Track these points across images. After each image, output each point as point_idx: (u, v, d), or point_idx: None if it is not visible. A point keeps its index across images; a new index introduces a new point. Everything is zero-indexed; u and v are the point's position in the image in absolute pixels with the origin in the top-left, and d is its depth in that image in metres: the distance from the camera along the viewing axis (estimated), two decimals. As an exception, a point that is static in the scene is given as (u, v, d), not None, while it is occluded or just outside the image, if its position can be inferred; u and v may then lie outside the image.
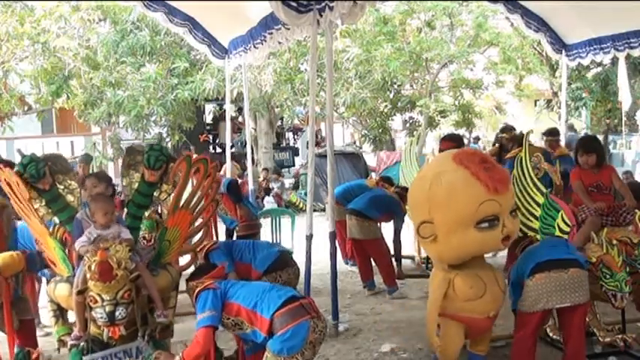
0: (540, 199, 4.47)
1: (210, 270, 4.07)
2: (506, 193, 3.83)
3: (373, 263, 7.11)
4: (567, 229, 4.41)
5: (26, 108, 13.77)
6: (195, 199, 4.58)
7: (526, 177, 4.55)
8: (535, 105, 20.47)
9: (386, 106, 15.95)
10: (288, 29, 6.62)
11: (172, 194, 4.51)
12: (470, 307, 3.97)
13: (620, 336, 4.71)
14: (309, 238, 5.75)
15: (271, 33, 6.98)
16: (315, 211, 6.65)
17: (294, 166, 19.21)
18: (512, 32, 14.57)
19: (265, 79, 13.48)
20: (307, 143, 17.30)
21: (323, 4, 5.51)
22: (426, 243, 4.08)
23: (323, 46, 8.74)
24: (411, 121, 17.02)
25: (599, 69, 14.36)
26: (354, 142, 20.23)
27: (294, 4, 5.49)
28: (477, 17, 14.21)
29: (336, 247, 5.83)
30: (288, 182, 16.07)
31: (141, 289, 3.98)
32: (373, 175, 14.40)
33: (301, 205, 13.10)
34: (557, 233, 4.42)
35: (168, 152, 4.63)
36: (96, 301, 3.79)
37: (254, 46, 7.67)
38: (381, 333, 5.66)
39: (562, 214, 4.41)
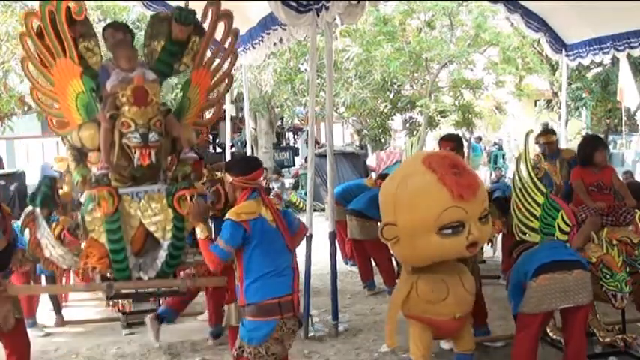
0: (540, 199, 4.46)
1: (250, 168, 3.76)
2: (472, 200, 3.78)
3: (373, 263, 7.11)
4: (567, 229, 4.41)
5: (26, 108, 13.74)
6: (216, 62, 4.68)
7: (526, 177, 4.55)
8: (535, 105, 20.45)
9: (386, 106, 15.96)
10: (285, 29, 6.63)
11: (196, 53, 4.62)
12: (433, 309, 3.98)
13: (620, 336, 4.70)
14: (309, 238, 5.75)
15: (269, 33, 7.00)
16: (315, 211, 6.65)
17: (294, 166, 19.22)
18: (512, 32, 14.56)
19: (265, 79, 13.50)
20: (306, 143, 17.33)
21: (320, 4, 5.51)
22: (391, 245, 4.09)
23: (323, 46, 8.73)
24: (411, 121, 17.02)
25: (599, 69, 14.35)
26: (354, 142, 20.24)
27: (293, 4, 5.50)
28: (476, 17, 14.20)
29: (336, 247, 5.83)
30: (288, 182, 16.08)
31: (169, 131, 4.08)
32: (373, 175, 14.41)
33: (301, 205, 13.10)
34: (558, 233, 4.42)
35: (196, 18, 4.67)
36: (129, 126, 3.90)
37: (252, 47, 7.69)
38: (381, 333, 5.63)
39: (562, 214, 4.41)
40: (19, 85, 13.04)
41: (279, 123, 18.12)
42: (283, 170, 17.26)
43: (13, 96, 12.65)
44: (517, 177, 4.56)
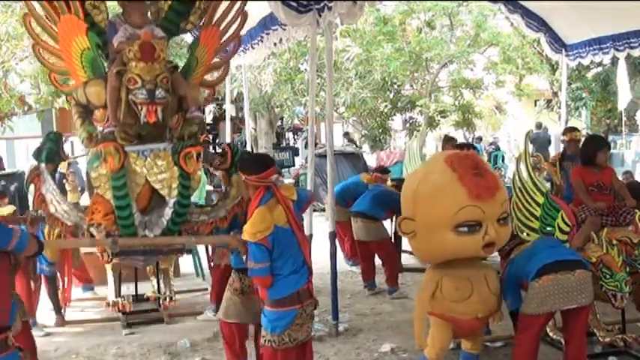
0: (540, 199, 4.47)
1: (262, 166, 3.76)
2: (490, 201, 3.81)
3: (377, 264, 7.10)
4: (567, 229, 4.42)
5: (26, 108, 13.73)
6: (226, 21, 4.64)
7: (526, 176, 4.55)
8: (535, 105, 20.46)
9: (386, 106, 15.96)
10: (285, 29, 6.63)
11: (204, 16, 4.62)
12: (457, 308, 3.98)
13: (620, 336, 4.70)
14: (309, 238, 5.74)
15: (269, 33, 7.00)
16: (315, 211, 6.65)
17: (294, 166, 19.20)
18: (512, 32, 14.57)
19: (265, 79, 13.50)
20: (304, 143, 17.33)
21: (322, 4, 5.51)
22: (408, 239, 4.14)
23: (323, 46, 8.74)
24: (411, 121, 17.03)
25: (599, 69, 14.36)
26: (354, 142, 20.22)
27: (294, 4, 5.49)
28: (476, 17, 14.21)
29: (336, 247, 5.81)
30: (288, 182, 16.06)
31: (176, 89, 4.05)
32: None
33: (301, 205, 13.07)
34: (558, 233, 4.42)
35: None
36: (136, 82, 3.87)
37: (251, 47, 7.69)
38: (381, 333, 5.66)
39: (562, 214, 4.42)
40: (19, 85, 13.04)
41: (279, 123, 18.13)
42: (283, 170, 17.24)
43: (13, 96, 12.64)
44: (517, 177, 4.57)
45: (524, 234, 4.48)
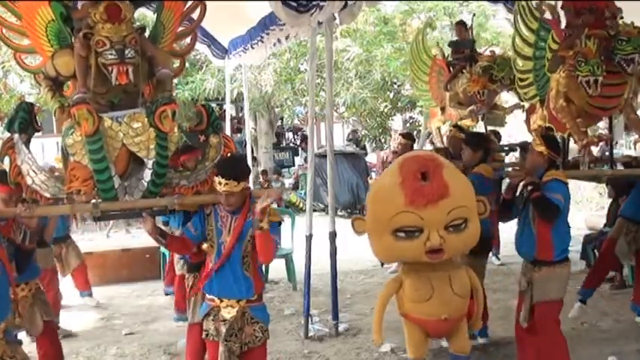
0: (535, 25, 4.85)
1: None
2: (430, 208, 3.71)
3: None
4: (556, 47, 4.70)
5: (26, 108, 13.74)
6: None
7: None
8: (535, 105, 20.42)
9: (386, 106, 15.96)
10: (283, 30, 6.63)
11: None
12: (419, 309, 4.00)
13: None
14: (309, 238, 5.75)
15: (268, 33, 7.00)
16: (315, 211, 6.65)
17: (294, 166, 19.22)
18: (512, 32, 14.56)
19: (265, 79, 13.50)
20: (303, 143, 17.32)
21: (315, 3, 5.50)
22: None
23: (323, 46, 8.74)
24: (411, 121, 17.03)
25: (600, 69, 14.32)
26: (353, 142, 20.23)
27: (293, 4, 5.49)
28: (477, 17, 14.20)
29: (336, 247, 5.79)
30: (288, 182, 16.08)
31: (144, 50, 4.00)
32: (374, 174, 14.40)
33: (301, 205, 13.10)
34: (548, 54, 4.69)
35: None
36: (104, 44, 3.81)
37: (251, 47, 7.69)
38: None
39: (552, 34, 4.73)
40: (19, 85, 13.05)
41: (279, 123, 18.13)
42: (283, 170, 17.26)
43: (13, 96, 12.65)
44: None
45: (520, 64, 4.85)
